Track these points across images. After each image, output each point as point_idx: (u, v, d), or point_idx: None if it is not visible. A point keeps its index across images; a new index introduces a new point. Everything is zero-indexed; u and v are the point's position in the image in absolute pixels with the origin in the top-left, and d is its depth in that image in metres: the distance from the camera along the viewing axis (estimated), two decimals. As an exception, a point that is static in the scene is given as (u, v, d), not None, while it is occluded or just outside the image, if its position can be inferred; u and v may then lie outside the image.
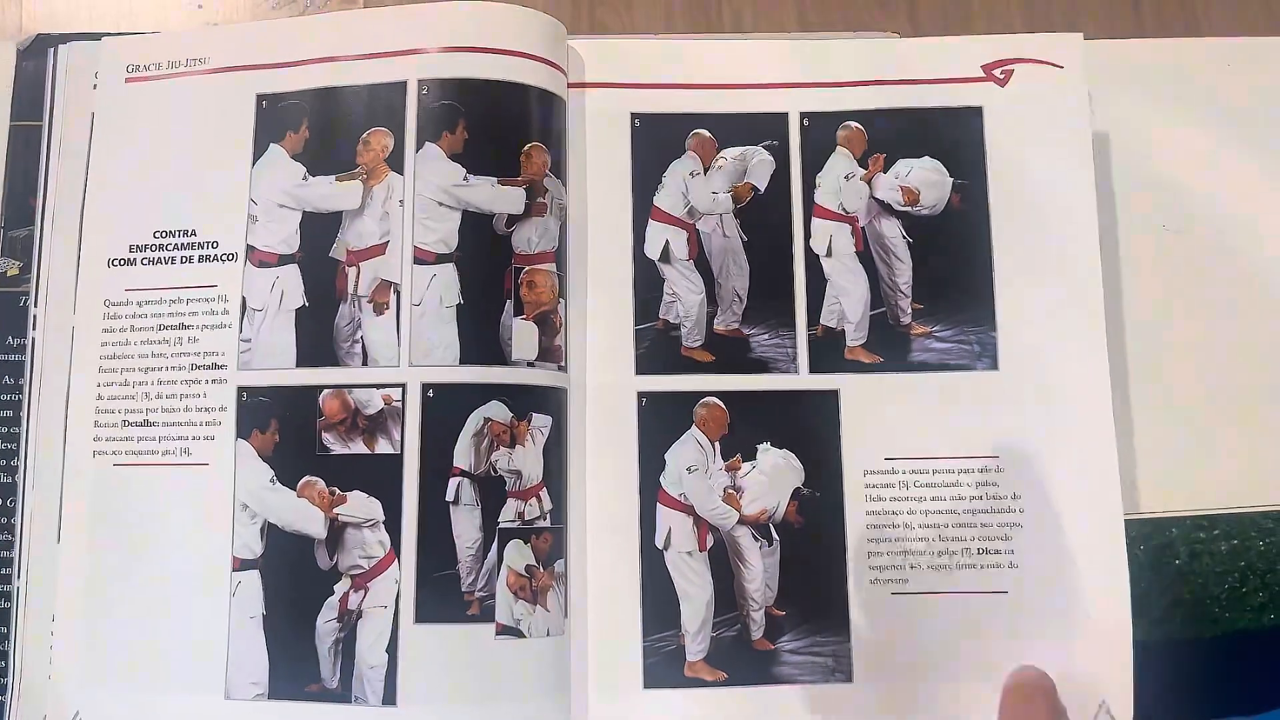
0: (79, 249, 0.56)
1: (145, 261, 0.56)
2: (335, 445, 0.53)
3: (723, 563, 0.54)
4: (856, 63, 0.58)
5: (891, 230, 0.56)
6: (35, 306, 0.55)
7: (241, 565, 0.53)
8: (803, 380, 0.55)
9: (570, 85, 0.57)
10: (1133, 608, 0.54)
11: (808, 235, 0.56)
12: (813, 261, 0.56)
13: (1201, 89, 0.60)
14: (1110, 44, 0.61)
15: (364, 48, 0.56)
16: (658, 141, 0.57)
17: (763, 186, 0.56)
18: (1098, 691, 0.52)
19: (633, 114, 0.57)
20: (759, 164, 0.56)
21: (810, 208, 0.56)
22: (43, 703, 0.52)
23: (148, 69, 0.57)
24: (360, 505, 0.52)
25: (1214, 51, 0.61)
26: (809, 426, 0.54)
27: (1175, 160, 0.60)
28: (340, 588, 0.52)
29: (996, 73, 0.57)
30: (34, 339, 0.55)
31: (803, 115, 0.56)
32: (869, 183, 0.56)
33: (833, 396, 0.55)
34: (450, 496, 0.52)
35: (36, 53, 0.58)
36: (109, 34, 0.58)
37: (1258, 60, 0.61)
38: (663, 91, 0.57)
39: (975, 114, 0.57)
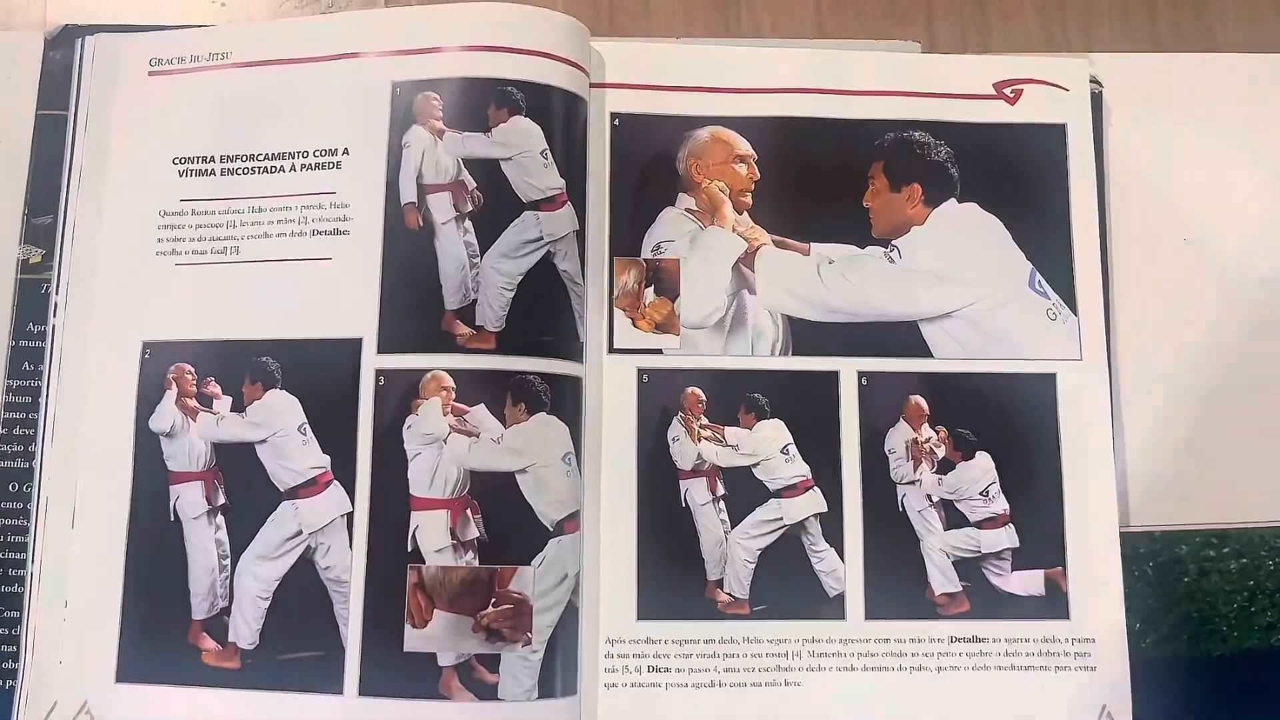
0: (101, 236, 0.56)
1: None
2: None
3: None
4: (876, 73, 0.59)
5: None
6: (57, 294, 0.55)
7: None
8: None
9: (591, 86, 0.57)
10: (1140, 624, 0.55)
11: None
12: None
13: (1219, 104, 0.61)
14: (1127, 58, 0.61)
15: (385, 45, 0.56)
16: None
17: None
18: (1099, 699, 0.53)
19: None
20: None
21: None
22: (53, 689, 0.52)
23: (170, 63, 0.58)
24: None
25: (1230, 67, 0.61)
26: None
27: (1193, 173, 0.60)
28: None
29: (1007, 91, 0.59)
30: (54, 325, 0.55)
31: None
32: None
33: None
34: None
35: (64, 43, 0.58)
36: (133, 26, 0.59)
37: (1274, 76, 0.61)
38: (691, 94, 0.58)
39: (989, 130, 0.58)
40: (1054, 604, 0.54)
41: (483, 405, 0.52)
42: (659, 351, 0.56)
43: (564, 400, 0.53)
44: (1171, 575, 0.56)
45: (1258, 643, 0.55)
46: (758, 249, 0.57)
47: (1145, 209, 0.59)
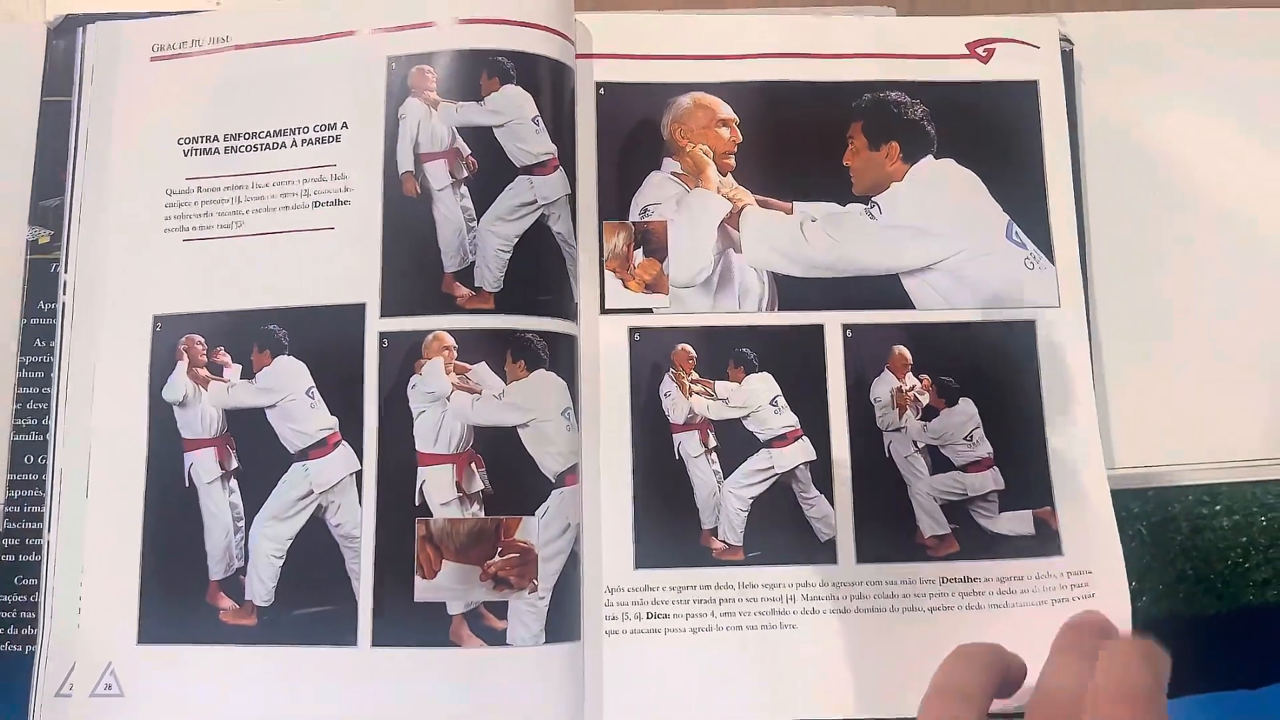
0: (109, 215, 0.58)
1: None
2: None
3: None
4: (852, 37, 0.60)
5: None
6: (65, 272, 0.57)
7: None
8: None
9: (577, 56, 0.59)
10: (1136, 584, 0.55)
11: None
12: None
13: (1188, 57, 0.62)
14: (1096, 16, 0.63)
15: (380, 22, 0.58)
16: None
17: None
18: None
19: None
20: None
21: None
22: (72, 652, 0.53)
23: (171, 49, 0.59)
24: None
25: (1197, 21, 0.63)
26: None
27: (1164, 125, 0.61)
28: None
29: (979, 50, 0.60)
30: (64, 303, 0.57)
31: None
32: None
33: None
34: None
35: (66, 31, 0.60)
36: (134, 14, 0.60)
37: (1251, 33, 0.63)
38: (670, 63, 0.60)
39: (963, 89, 0.60)
40: (1045, 542, 0.55)
41: (484, 363, 0.54)
42: (649, 311, 0.57)
43: (561, 357, 0.55)
44: (1165, 535, 0.57)
45: (1254, 599, 0.56)
46: (742, 209, 0.58)
47: (1119, 160, 0.61)
